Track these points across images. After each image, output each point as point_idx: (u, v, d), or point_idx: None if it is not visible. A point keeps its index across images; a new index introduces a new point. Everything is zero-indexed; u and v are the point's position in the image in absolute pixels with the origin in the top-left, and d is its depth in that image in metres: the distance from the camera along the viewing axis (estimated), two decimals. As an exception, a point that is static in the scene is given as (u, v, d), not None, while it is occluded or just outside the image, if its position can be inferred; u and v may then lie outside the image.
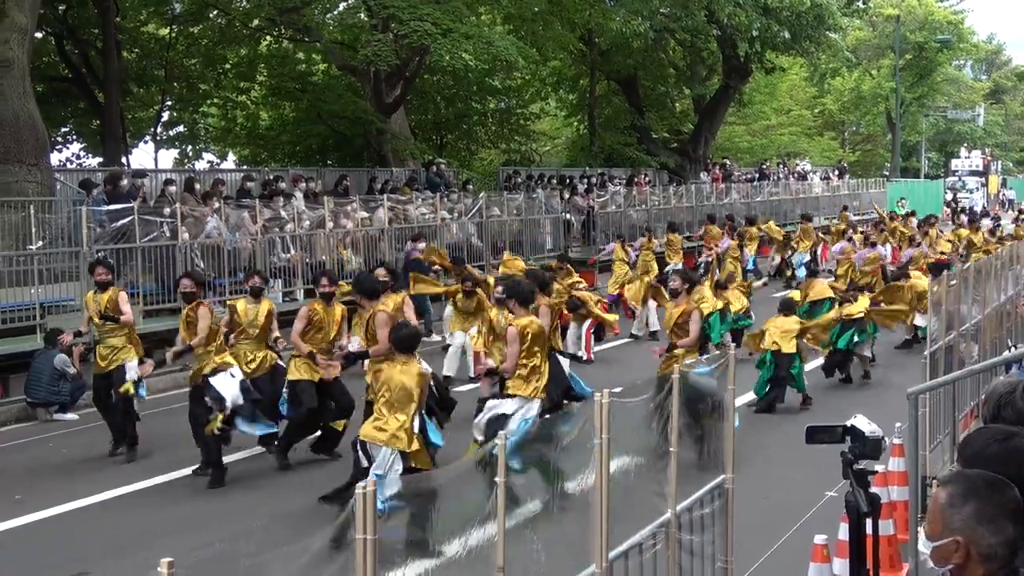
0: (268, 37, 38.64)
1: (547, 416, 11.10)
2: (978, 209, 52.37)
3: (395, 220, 25.79)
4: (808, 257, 30.96)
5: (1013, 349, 12.78)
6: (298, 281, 22.34)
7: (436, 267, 22.84)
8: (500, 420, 10.97)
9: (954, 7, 73.81)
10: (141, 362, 13.88)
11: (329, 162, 38.00)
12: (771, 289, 28.36)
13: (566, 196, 33.78)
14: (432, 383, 11.11)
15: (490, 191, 32.41)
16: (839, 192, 52.68)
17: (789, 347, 15.65)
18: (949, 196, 64.37)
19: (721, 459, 7.29)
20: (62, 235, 19.32)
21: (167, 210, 20.76)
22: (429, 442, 10.11)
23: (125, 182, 21.81)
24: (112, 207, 20.12)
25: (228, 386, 12.39)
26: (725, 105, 48.89)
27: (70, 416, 16.29)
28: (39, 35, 30.16)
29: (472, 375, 15.69)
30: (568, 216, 32.92)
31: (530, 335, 11.17)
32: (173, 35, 37.77)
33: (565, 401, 13.06)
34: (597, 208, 33.70)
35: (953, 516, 3.22)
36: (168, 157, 44.31)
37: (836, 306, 17.91)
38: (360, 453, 9.74)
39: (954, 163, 79.76)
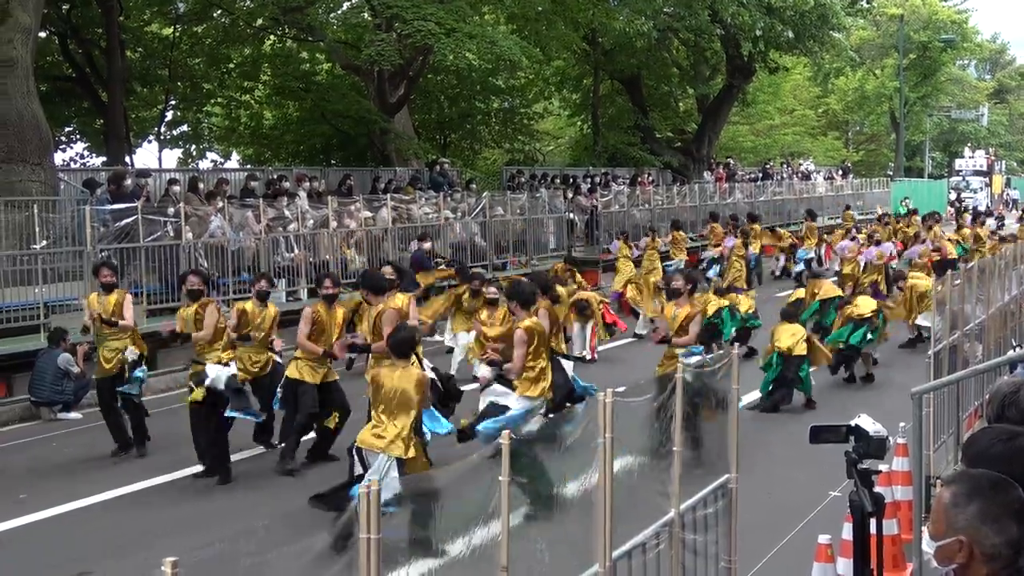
0: (272, 36, 38.65)
1: (550, 416, 11.10)
2: (982, 209, 52.27)
3: (399, 220, 25.79)
4: (812, 254, 31.02)
5: (1017, 349, 12.77)
6: (302, 281, 22.33)
7: (441, 268, 22.89)
8: (500, 409, 10.99)
9: (958, 7, 73.75)
10: (141, 358, 13.95)
11: (333, 161, 38.05)
12: (777, 288, 28.37)
13: (569, 196, 33.79)
14: (435, 376, 11.13)
15: (493, 191, 32.40)
16: (843, 192, 52.68)
17: (800, 349, 15.66)
18: (953, 196, 64.35)
19: (725, 458, 7.28)
20: (66, 235, 19.33)
21: (171, 210, 20.77)
22: (427, 443, 10.14)
23: (129, 182, 21.83)
24: (116, 207, 20.14)
25: (218, 371, 12.48)
26: (729, 105, 48.88)
27: (74, 415, 16.30)
28: (43, 34, 30.20)
29: (475, 375, 15.69)
30: (572, 216, 32.92)
31: (536, 337, 11.18)
32: (177, 34, 37.78)
33: (568, 404, 13.04)
34: (601, 208, 33.67)
35: (957, 516, 3.21)
36: (172, 157, 44.40)
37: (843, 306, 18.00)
38: (356, 459, 9.71)
39: (958, 163, 79.72)
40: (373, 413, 9.74)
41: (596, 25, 39.02)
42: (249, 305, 13.66)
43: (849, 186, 55.19)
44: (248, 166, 38.00)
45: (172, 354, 16.99)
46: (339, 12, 38.70)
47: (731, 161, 50.55)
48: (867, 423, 5.50)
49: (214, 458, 12.62)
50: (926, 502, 8.23)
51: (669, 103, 50.74)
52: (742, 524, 7.35)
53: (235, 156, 45.15)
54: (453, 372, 16.02)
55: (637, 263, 26.57)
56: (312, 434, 13.22)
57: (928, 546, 3.31)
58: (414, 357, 10.02)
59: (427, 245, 23.55)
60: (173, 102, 39.90)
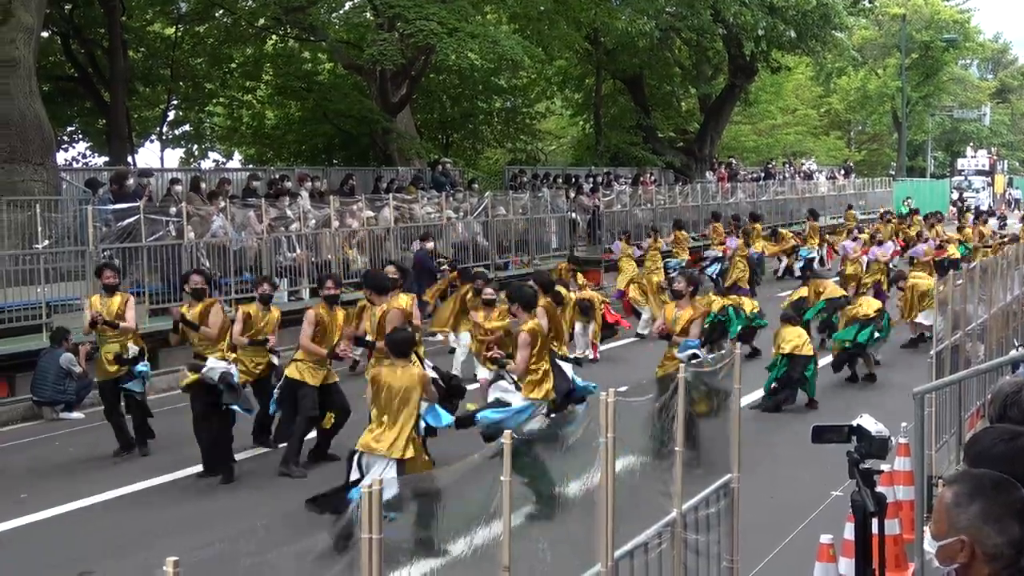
0: (274, 36, 38.64)
1: (552, 416, 11.09)
2: (984, 208, 52.29)
3: (401, 219, 25.79)
4: (814, 254, 31.03)
5: (1019, 349, 12.76)
6: (304, 280, 22.32)
7: (443, 268, 22.88)
8: (504, 404, 11.00)
9: (960, 6, 73.74)
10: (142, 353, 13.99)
11: (335, 161, 38.05)
12: (779, 288, 28.37)
13: (572, 195, 33.79)
14: (436, 376, 11.13)
15: (496, 190, 32.40)
16: (845, 191, 52.67)
17: (807, 350, 15.69)
18: (955, 195, 64.33)
19: (727, 458, 7.28)
20: (68, 234, 19.33)
21: (173, 209, 20.77)
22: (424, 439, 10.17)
23: (131, 181, 21.82)
24: (118, 206, 20.14)
25: (217, 364, 12.52)
26: (731, 104, 48.90)
27: (76, 415, 16.31)
28: (45, 34, 30.21)
29: (475, 375, 15.69)
30: (574, 215, 32.93)
31: (540, 339, 11.18)
32: (179, 34, 37.80)
33: (571, 405, 13.03)
34: (603, 207, 33.66)
35: (959, 515, 3.21)
36: (174, 156, 44.49)
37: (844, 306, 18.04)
38: (354, 465, 9.70)
39: (960, 162, 79.69)
40: (373, 414, 9.72)
41: (598, 25, 39.00)
42: (252, 308, 13.68)
43: (851, 186, 55.21)
44: (250, 166, 38.03)
45: (173, 354, 16.97)
46: (341, 12, 38.65)
47: (733, 161, 50.57)
48: (869, 423, 5.50)
49: (216, 456, 12.63)
50: (928, 502, 8.23)
51: (671, 103, 50.74)
52: (744, 524, 7.35)
53: (237, 156, 45.18)
54: (456, 372, 16.01)
55: (640, 263, 26.57)
56: (312, 434, 13.22)
57: (930, 546, 3.30)
58: (414, 356, 10.03)
59: (430, 245, 23.54)
60: (175, 102, 39.89)
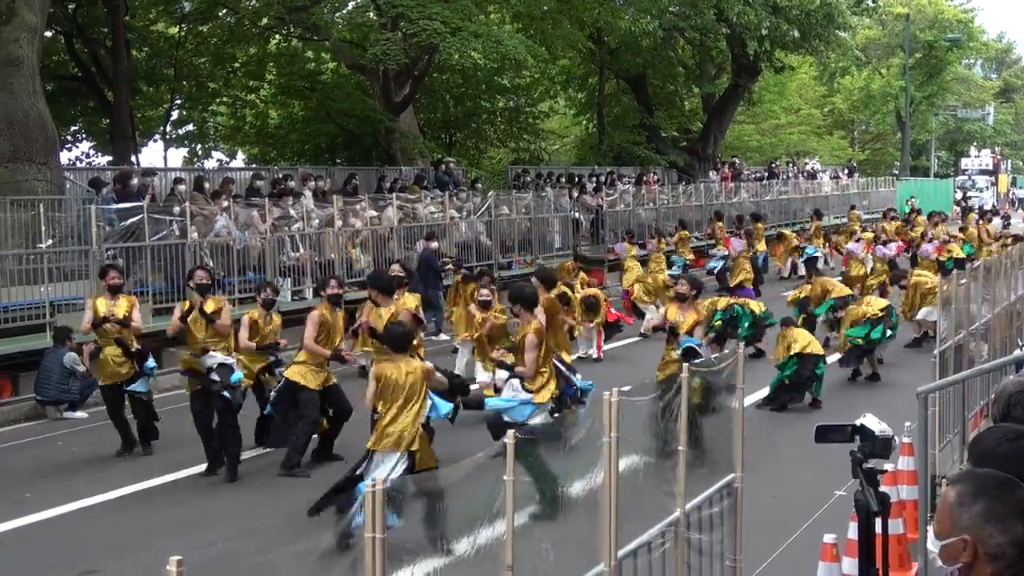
0: (277, 36, 38.68)
1: (556, 415, 11.10)
2: (988, 208, 52.23)
3: (404, 219, 25.80)
4: (819, 253, 30.99)
5: (1023, 348, 12.76)
6: (307, 280, 22.33)
7: (448, 267, 22.91)
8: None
9: (964, 6, 73.73)
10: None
11: (338, 161, 38.06)
12: (782, 288, 28.34)
13: (575, 195, 33.79)
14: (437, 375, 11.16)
15: (499, 190, 32.44)
16: (848, 191, 52.64)
17: (816, 348, 15.77)
18: (959, 195, 64.26)
19: (730, 458, 7.28)
20: (71, 234, 19.36)
21: (176, 209, 20.79)
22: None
23: (135, 181, 21.84)
24: (121, 206, 20.16)
25: (219, 357, 12.62)
26: (734, 104, 48.90)
27: (79, 414, 16.32)
28: (49, 34, 30.21)
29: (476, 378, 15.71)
30: (577, 215, 32.93)
31: (545, 339, 11.22)
32: (182, 34, 37.84)
33: (573, 406, 13.03)
34: (606, 207, 33.68)
35: (962, 515, 3.20)
36: (177, 156, 44.47)
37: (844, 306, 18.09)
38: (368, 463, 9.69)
39: (964, 162, 79.60)
40: (380, 409, 9.69)
41: (602, 24, 38.98)
42: (256, 314, 13.68)
43: (855, 185, 55.16)
44: (253, 165, 38.07)
45: (176, 354, 17.00)
46: (344, 11, 38.70)
47: (737, 160, 50.54)
48: (873, 423, 5.49)
49: (216, 453, 12.71)
50: (932, 502, 8.21)
51: (675, 102, 50.76)
52: (747, 523, 7.35)
53: (240, 155, 45.25)
54: (459, 372, 16.01)
55: (644, 263, 26.57)
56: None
57: (933, 545, 3.30)
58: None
59: (435, 244, 23.54)
60: (179, 101, 39.93)
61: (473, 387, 13.99)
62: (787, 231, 34.91)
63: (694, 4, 38.97)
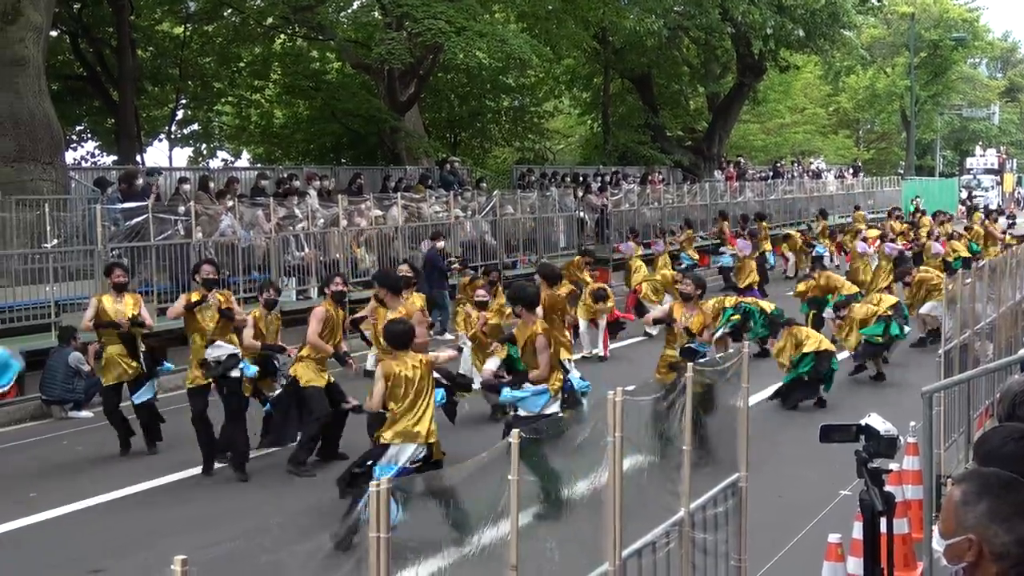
0: (282, 35, 38.73)
1: (560, 415, 11.10)
2: (993, 207, 52.14)
3: (409, 218, 25.81)
4: (826, 252, 30.99)
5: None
6: (312, 279, 22.34)
7: (454, 267, 22.91)
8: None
9: (969, 5, 73.58)
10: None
11: (343, 160, 38.10)
12: (787, 287, 28.31)
13: (580, 194, 33.78)
14: (437, 375, 11.17)
15: (504, 189, 32.45)
16: (853, 191, 52.59)
17: (828, 345, 15.91)
18: (964, 194, 64.19)
19: (735, 457, 7.27)
20: (77, 233, 19.39)
21: (181, 208, 20.81)
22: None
23: (140, 180, 21.88)
24: (127, 205, 20.20)
25: (226, 348, 12.71)
26: (739, 103, 48.89)
27: (84, 414, 16.32)
28: (54, 33, 30.27)
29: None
30: (582, 214, 32.91)
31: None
32: (187, 33, 37.89)
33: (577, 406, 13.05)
34: (611, 206, 33.68)
35: (967, 514, 3.20)
36: (182, 155, 44.55)
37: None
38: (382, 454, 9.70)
39: (969, 161, 79.59)
40: (396, 407, 9.64)
41: (606, 24, 39.01)
42: (257, 312, 13.72)
43: (860, 185, 55.09)
44: (258, 165, 38.11)
45: (180, 353, 17.00)
46: (349, 11, 38.79)
47: (741, 160, 50.50)
48: (877, 422, 5.48)
49: (212, 451, 12.77)
50: (937, 501, 8.21)
51: (679, 102, 50.78)
52: (752, 523, 7.34)
53: (245, 155, 45.30)
54: (463, 372, 15.99)
55: (648, 262, 26.55)
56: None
57: (938, 544, 3.30)
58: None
59: (441, 244, 23.53)
60: (184, 101, 39.97)
61: (475, 386, 14.03)
62: (794, 231, 34.90)
63: (699, 3, 38.97)
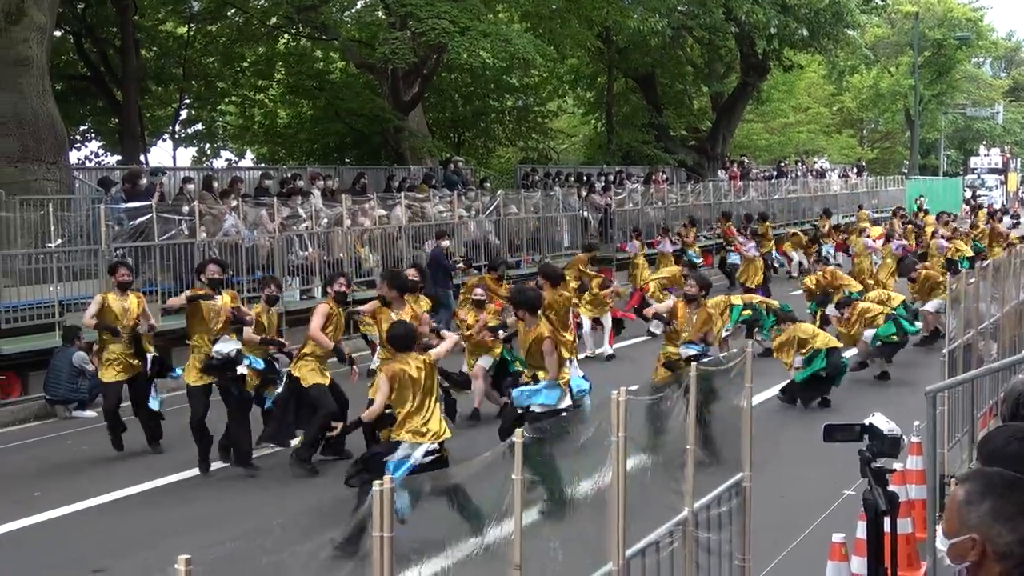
0: (286, 35, 38.72)
1: (564, 414, 11.11)
2: (997, 207, 52.15)
3: (413, 218, 25.80)
4: (832, 250, 31.01)
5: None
6: (315, 279, 22.33)
7: (459, 266, 22.90)
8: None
9: (973, 4, 73.49)
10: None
11: (347, 160, 38.10)
12: (791, 287, 28.31)
13: (583, 194, 33.75)
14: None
15: (507, 189, 32.42)
16: (857, 190, 52.57)
17: (835, 342, 16.09)
18: (968, 194, 64.12)
19: (739, 457, 7.27)
20: (81, 233, 19.39)
21: (185, 208, 20.81)
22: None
23: (144, 180, 21.87)
24: (130, 205, 20.20)
25: (230, 344, 12.82)
26: (743, 103, 48.85)
27: (88, 413, 16.34)
28: (58, 33, 30.29)
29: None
30: (586, 214, 32.90)
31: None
32: (191, 33, 37.88)
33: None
34: (615, 206, 33.66)
35: (970, 513, 3.20)
36: (186, 155, 44.59)
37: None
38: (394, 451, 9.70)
39: (973, 161, 79.45)
40: (405, 409, 9.59)
41: (610, 23, 38.98)
42: (259, 307, 13.78)
43: (864, 184, 55.08)
44: (262, 165, 38.06)
45: (183, 353, 17.02)
46: (353, 10, 38.75)
47: (745, 159, 50.51)
48: (881, 422, 5.49)
49: (208, 450, 12.83)
50: (940, 501, 8.21)
51: (683, 101, 50.73)
52: (756, 522, 7.34)
53: (249, 155, 45.27)
54: (465, 371, 15.99)
55: (652, 262, 26.54)
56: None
57: (942, 544, 3.30)
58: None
59: (445, 243, 23.51)
60: (187, 101, 40.01)
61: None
62: (799, 231, 34.89)
63: (703, 3, 38.95)
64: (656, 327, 22.27)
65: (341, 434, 12.56)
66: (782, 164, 52.46)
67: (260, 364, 13.04)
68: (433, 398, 9.64)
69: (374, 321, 12.84)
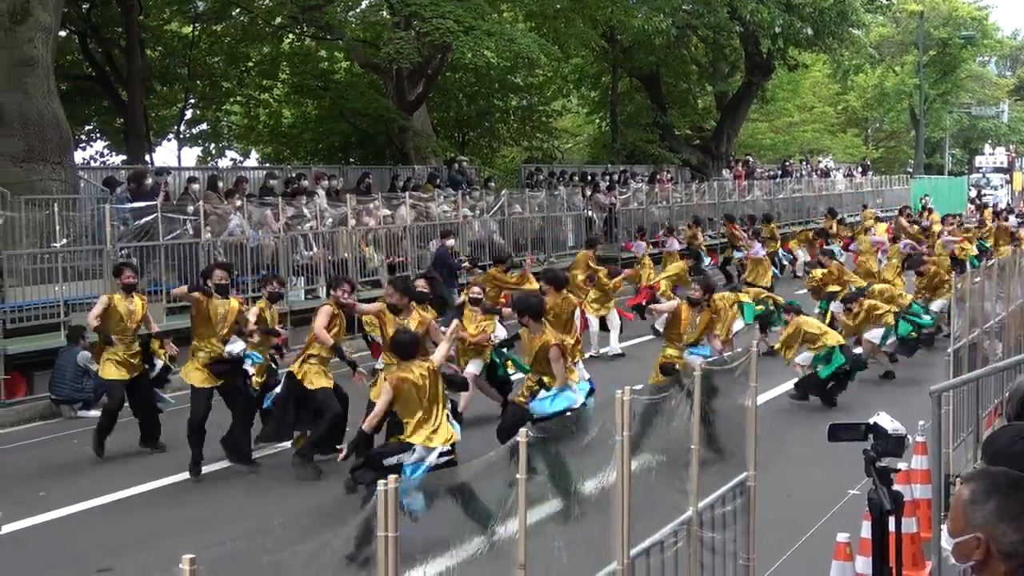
0: (291, 35, 38.76)
1: (568, 413, 11.12)
2: (1003, 206, 52.01)
3: (417, 218, 25.80)
4: (838, 248, 30.99)
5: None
6: (320, 279, 22.33)
7: (464, 265, 22.89)
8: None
9: (978, 3, 73.42)
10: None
11: (351, 160, 38.13)
12: (796, 286, 28.29)
13: (588, 193, 33.74)
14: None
15: (512, 188, 32.44)
16: (862, 189, 52.51)
17: (841, 339, 16.08)
18: (973, 193, 64.00)
19: (743, 456, 7.27)
20: (86, 233, 19.41)
21: (190, 208, 20.81)
22: None
23: (149, 180, 21.87)
24: (136, 205, 20.20)
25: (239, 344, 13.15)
26: (748, 102, 48.82)
27: (94, 413, 16.26)
28: (63, 33, 30.32)
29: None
30: (590, 213, 32.88)
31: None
32: (196, 33, 37.92)
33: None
34: (619, 205, 33.65)
35: (975, 512, 3.20)
36: (191, 155, 44.60)
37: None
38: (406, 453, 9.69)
39: (978, 160, 79.24)
40: (415, 418, 9.55)
41: (614, 22, 38.98)
42: (263, 304, 13.86)
43: (869, 183, 55.01)
44: (267, 164, 38.13)
45: (184, 353, 17.03)
46: (357, 10, 38.75)
47: (750, 158, 50.45)
48: (886, 421, 5.48)
49: (200, 454, 12.82)
50: (945, 500, 8.19)
51: (688, 100, 50.72)
52: (760, 522, 7.34)
53: (254, 154, 45.34)
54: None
55: (656, 261, 26.52)
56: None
57: (947, 543, 3.29)
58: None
59: (451, 242, 23.52)
60: (192, 101, 40.03)
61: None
62: (806, 230, 34.88)
63: (707, 2, 38.94)
64: (660, 325, 22.34)
65: (348, 453, 12.61)
66: (787, 163, 52.41)
67: (259, 359, 13.18)
68: (440, 404, 9.62)
69: (378, 322, 12.82)
